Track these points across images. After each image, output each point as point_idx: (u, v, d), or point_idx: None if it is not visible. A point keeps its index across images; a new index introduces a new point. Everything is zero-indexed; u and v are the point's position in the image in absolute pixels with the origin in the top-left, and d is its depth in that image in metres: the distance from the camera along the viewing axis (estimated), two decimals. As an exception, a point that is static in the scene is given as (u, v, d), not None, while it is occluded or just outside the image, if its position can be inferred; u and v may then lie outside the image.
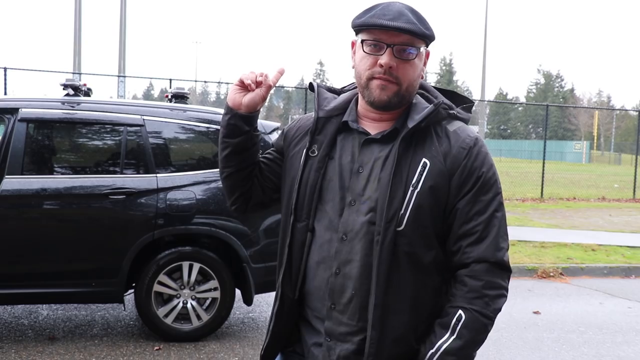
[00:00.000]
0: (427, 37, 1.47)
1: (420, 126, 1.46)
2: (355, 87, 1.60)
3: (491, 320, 1.43)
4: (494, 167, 1.52)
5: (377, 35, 1.45)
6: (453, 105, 1.55)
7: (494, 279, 1.43)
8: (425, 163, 1.44)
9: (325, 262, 1.49)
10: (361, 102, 1.55)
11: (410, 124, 1.46)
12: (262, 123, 4.81)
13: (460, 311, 1.41)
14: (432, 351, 1.42)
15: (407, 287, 1.45)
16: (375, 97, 1.47)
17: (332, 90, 1.65)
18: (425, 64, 1.52)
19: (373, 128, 1.53)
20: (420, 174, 1.43)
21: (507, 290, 1.46)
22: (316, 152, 1.54)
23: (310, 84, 1.62)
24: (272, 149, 1.74)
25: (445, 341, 1.41)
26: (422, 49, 1.49)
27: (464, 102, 1.60)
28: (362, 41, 1.48)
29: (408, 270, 1.44)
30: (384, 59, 1.44)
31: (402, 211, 1.42)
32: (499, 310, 1.45)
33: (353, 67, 1.54)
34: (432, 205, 1.44)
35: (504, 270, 1.46)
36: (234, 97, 1.56)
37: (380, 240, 1.42)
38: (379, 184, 1.45)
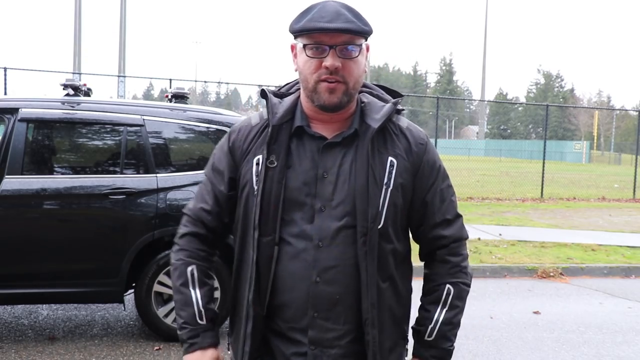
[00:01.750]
0: (366, 33, 1.47)
1: (383, 126, 1.51)
2: (297, 88, 1.59)
3: (469, 286, 1.61)
4: (438, 154, 1.64)
5: (317, 38, 1.44)
6: (398, 101, 1.60)
7: (465, 252, 1.62)
8: (392, 162, 1.51)
9: (302, 272, 1.46)
10: (307, 105, 1.53)
11: (375, 124, 1.49)
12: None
13: (448, 286, 1.57)
14: (431, 326, 1.56)
15: (393, 282, 1.54)
16: (325, 100, 1.46)
17: (276, 94, 1.60)
18: (366, 58, 1.52)
19: (326, 130, 1.53)
20: (390, 173, 1.50)
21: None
22: (275, 163, 1.49)
23: (263, 90, 1.58)
24: (225, 191, 1.59)
25: (440, 313, 1.56)
26: (363, 45, 1.48)
27: (394, 95, 1.62)
28: (304, 46, 1.46)
29: (392, 265, 1.53)
30: (328, 61, 1.43)
31: (379, 209, 1.48)
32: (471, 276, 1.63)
33: (296, 71, 1.53)
34: (401, 201, 1.53)
35: (466, 240, 1.64)
36: None
37: (367, 241, 1.46)
38: (352, 187, 1.47)
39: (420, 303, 1.62)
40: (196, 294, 1.56)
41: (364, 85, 1.61)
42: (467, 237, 1.63)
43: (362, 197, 1.46)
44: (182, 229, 1.66)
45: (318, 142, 1.51)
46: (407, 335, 1.64)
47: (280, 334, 1.52)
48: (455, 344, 1.59)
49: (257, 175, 1.51)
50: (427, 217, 1.57)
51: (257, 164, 1.51)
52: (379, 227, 1.47)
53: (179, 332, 1.58)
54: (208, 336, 1.56)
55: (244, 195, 1.54)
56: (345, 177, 1.48)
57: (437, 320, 1.55)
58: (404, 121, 1.59)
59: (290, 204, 1.48)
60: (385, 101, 1.57)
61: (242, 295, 1.55)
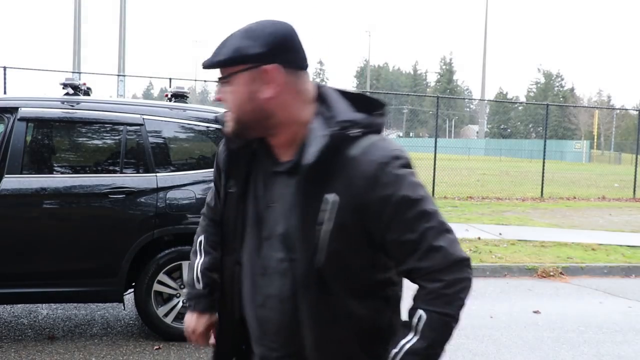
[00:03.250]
0: (238, 60, 1.35)
1: (319, 160, 1.34)
2: None
3: (453, 317, 1.36)
4: (408, 177, 1.36)
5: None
6: (356, 121, 1.38)
7: (453, 276, 1.35)
8: (327, 199, 1.35)
9: (251, 294, 1.50)
10: None
11: (308, 160, 1.34)
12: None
13: (420, 312, 1.35)
14: (395, 351, 1.35)
15: (338, 315, 1.40)
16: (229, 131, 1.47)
17: None
18: (266, 81, 1.36)
19: (285, 154, 1.45)
20: (327, 212, 1.35)
21: (468, 278, 1.38)
22: (233, 189, 1.52)
23: (216, 118, 1.59)
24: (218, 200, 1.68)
25: (409, 341, 1.35)
26: (245, 73, 1.36)
27: (373, 106, 1.44)
28: None
29: (335, 300, 1.39)
30: (216, 94, 1.47)
31: (315, 249, 1.36)
32: (463, 304, 1.37)
33: None
34: (349, 242, 1.37)
35: (460, 263, 1.36)
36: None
37: (298, 278, 1.39)
38: (289, 222, 1.41)
39: None
40: (198, 260, 1.72)
41: (324, 99, 1.43)
42: (455, 261, 1.35)
43: (295, 234, 1.39)
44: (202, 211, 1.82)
45: (269, 168, 1.47)
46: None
47: (250, 343, 1.59)
48: None
49: (220, 196, 1.60)
50: (392, 253, 1.39)
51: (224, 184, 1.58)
52: (316, 266, 1.36)
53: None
54: (202, 302, 1.70)
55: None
56: (285, 210, 1.42)
57: (402, 347, 1.34)
58: (358, 148, 1.36)
59: (247, 229, 1.52)
60: (336, 126, 1.37)
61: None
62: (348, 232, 1.36)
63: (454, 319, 1.36)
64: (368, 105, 1.43)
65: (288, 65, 1.37)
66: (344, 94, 1.46)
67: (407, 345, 1.34)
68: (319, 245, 1.36)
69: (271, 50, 1.35)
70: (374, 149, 1.36)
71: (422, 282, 1.36)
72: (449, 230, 1.37)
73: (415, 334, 1.35)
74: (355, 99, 1.44)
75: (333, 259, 1.36)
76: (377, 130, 1.41)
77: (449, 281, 1.34)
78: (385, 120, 1.46)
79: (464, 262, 1.37)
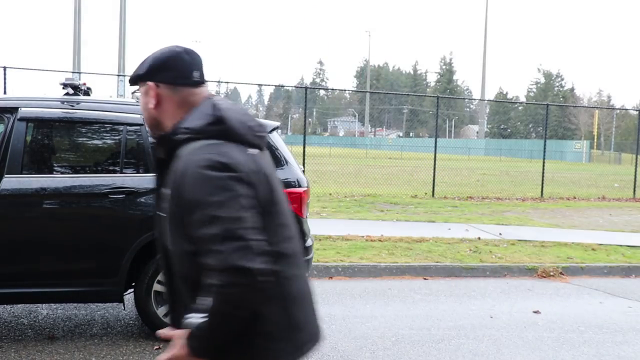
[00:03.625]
0: (135, 79, 1.74)
1: (156, 159, 1.74)
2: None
3: (216, 315, 1.46)
4: (210, 181, 1.49)
5: None
6: (189, 127, 1.60)
7: (223, 280, 1.44)
8: (164, 192, 1.64)
9: None
10: None
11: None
12: (262, 123, 4.80)
13: (201, 299, 1.50)
14: (185, 320, 1.52)
15: (181, 289, 1.67)
16: None
17: None
18: (151, 95, 1.70)
19: None
20: (163, 203, 1.65)
21: (241, 285, 1.45)
22: None
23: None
24: None
25: (190, 317, 1.51)
26: (143, 87, 1.73)
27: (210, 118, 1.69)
28: None
29: (183, 276, 1.63)
30: None
31: (162, 233, 1.69)
32: (228, 307, 1.46)
33: None
34: (178, 231, 1.57)
35: (235, 271, 1.44)
36: None
37: (162, 255, 1.74)
38: None
39: None
40: None
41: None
42: (229, 267, 1.44)
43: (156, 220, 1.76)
44: None
45: None
46: None
47: None
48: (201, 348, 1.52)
49: None
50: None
51: None
52: (168, 247, 1.65)
53: None
54: None
55: None
56: None
57: (189, 319, 1.51)
58: (186, 149, 1.58)
59: None
60: (169, 130, 1.68)
61: None
62: (175, 222, 1.57)
63: (216, 318, 1.47)
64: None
65: (166, 82, 1.68)
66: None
67: (188, 320, 1.51)
68: (164, 230, 1.66)
69: (150, 71, 1.69)
70: (194, 151, 1.56)
71: (204, 276, 1.49)
72: (238, 238, 1.45)
73: (196, 315, 1.49)
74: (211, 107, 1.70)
75: (173, 243, 1.61)
76: (212, 136, 1.58)
77: (218, 284, 1.44)
78: (224, 128, 1.59)
79: (240, 271, 1.43)
